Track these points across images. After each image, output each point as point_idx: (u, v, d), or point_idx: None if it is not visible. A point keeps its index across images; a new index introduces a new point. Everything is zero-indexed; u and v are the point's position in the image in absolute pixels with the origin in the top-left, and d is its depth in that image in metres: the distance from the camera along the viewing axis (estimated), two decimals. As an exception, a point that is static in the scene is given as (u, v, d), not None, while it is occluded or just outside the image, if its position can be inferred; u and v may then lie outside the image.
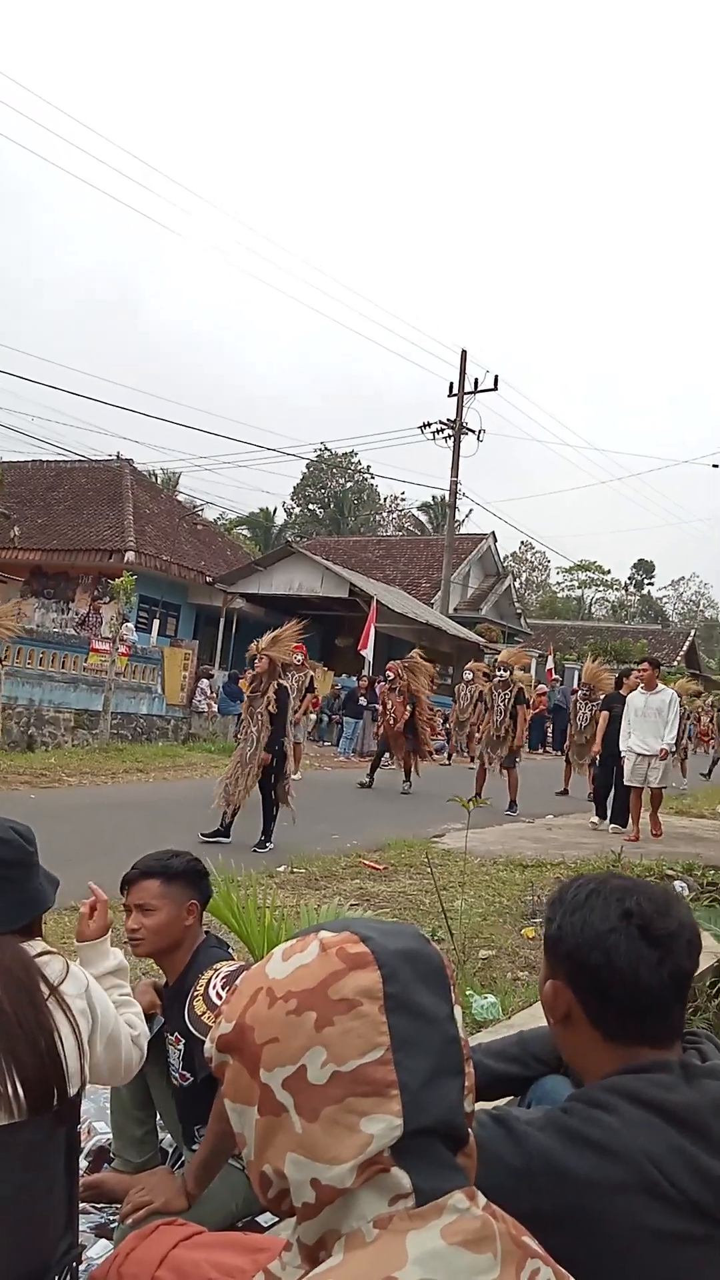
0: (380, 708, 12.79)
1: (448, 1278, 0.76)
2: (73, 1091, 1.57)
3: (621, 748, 8.98)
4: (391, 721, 12.38)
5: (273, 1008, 0.82)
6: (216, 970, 2.23)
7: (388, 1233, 0.78)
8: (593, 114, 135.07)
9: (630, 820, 9.01)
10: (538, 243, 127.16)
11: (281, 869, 6.68)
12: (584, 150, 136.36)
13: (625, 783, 9.01)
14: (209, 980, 2.20)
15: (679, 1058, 1.23)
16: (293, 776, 12.30)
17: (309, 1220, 0.80)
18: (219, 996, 2.15)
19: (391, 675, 12.73)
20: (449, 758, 17.90)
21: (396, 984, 0.83)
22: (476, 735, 13.37)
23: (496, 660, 12.16)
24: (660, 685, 9.01)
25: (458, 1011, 0.88)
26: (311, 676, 13.01)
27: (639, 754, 8.82)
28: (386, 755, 12.73)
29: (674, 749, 9.20)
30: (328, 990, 0.82)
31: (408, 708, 12.35)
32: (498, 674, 11.72)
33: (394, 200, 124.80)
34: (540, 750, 22.50)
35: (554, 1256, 0.87)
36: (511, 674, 11.59)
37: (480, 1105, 1.07)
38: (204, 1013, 2.15)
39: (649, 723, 8.81)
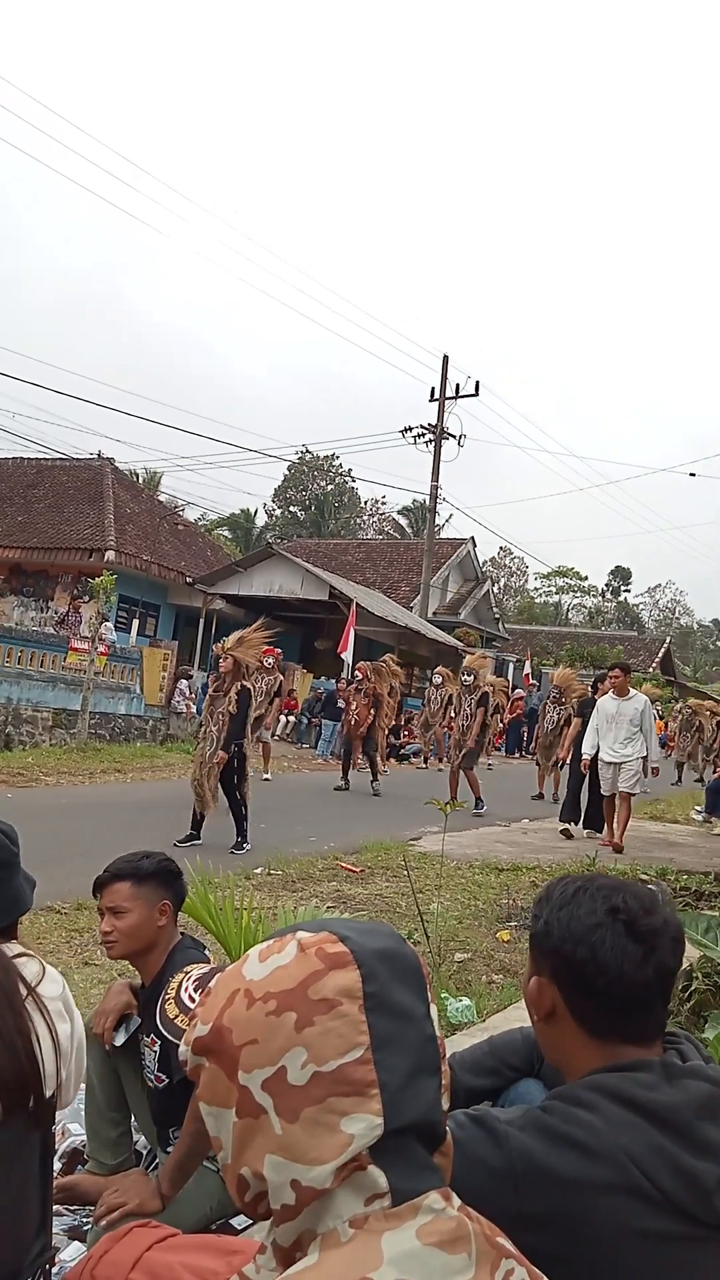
0: (345, 707, 12.82)
1: (423, 1278, 0.76)
2: (48, 1093, 1.57)
3: (585, 749, 8.78)
4: (354, 722, 12.42)
5: (251, 1009, 0.82)
6: (187, 973, 2.22)
7: (363, 1232, 0.78)
8: (576, 120, 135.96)
9: (607, 827, 8.85)
10: (520, 250, 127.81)
11: (258, 871, 6.67)
12: (566, 157, 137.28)
13: (602, 792, 8.83)
14: (180, 983, 2.19)
15: (660, 1057, 1.24)
16: (263, 777, 12.34)
17: (287, 1222, 0.80)
18: (191, 999, 2.13)
19: (360, 676, 12.75)
20: (425, 761, 17.93)
21: (375, 983, 0.83)
22: (447, 739, 13.50)
23: (463, 665, 12.18)
24: (632, 691, 8.81)
25: (434, 1010, 0.89)
26: (280, 682, 12.99)
27: (608, 762, 8.61)
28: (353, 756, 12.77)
29: (654, 758, 8.79)
30: (308, 990, 0.81)
31: (371, 710, 12.39)
32: (464, 679, 11.80)
33: (379, 207, 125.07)
34: (517, 754, 22.60)
35: (537, 1257, 0.88)
36: (476, 679, 11.66)
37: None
38: (177, 1016, 2.13)
39: (619, 729, 8.56)
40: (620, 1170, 1.10)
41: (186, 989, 2.16)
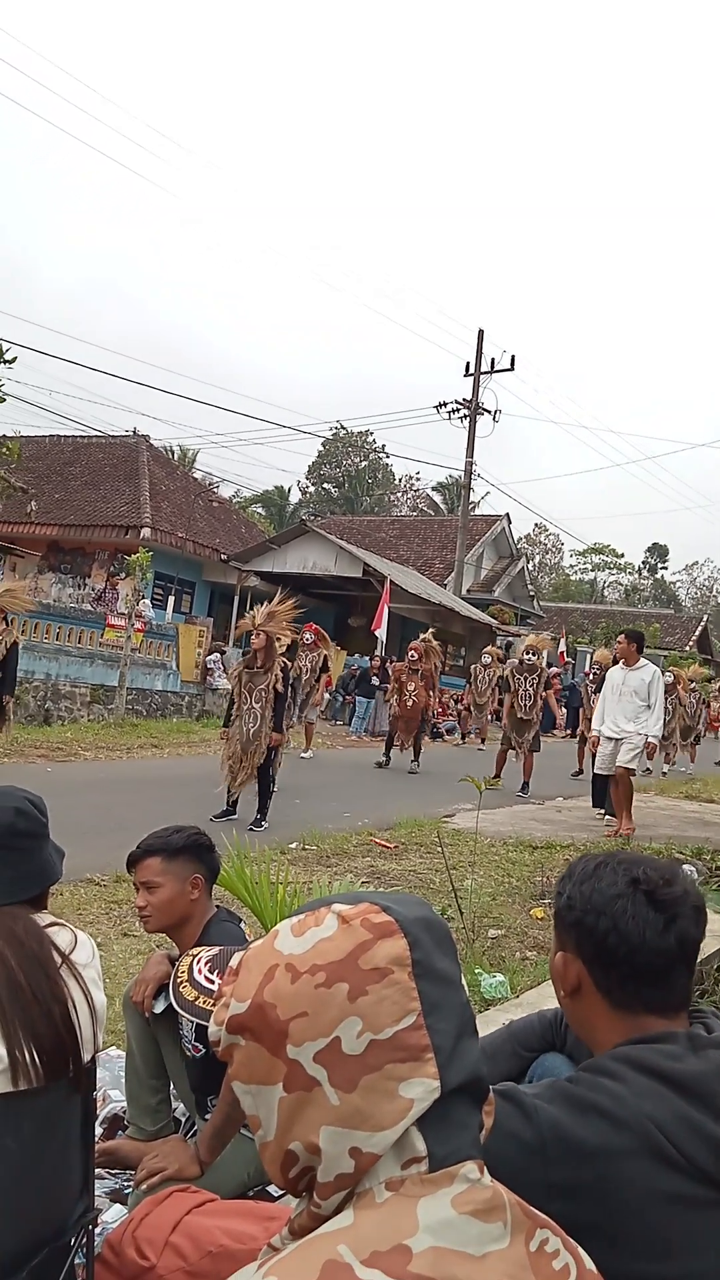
0: (396, 687, 12.74)
1: (458, 1246, 0.77)
2: (87, 1058, 1.60)
3: (593, 728, 8.19)
4: (410, 704, 12.34)
5: (297, 982, 0.82)
6: (195, 955, 2.24)
7: (399, 1196, 0.78)
8: (611, 84, 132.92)
9: (618, 811, 8.08)
10: (557, 222, 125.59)
11: (293, 845, 6.73)
12: (601, 121, 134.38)
13: (596, 770, 8.16)
14: (189, 966, 2.20)
15: (685, 1030, 1.25)
16: (304, 755, 12.40)
17: (339, 1191, 0.81)
18: (209, 980, 2.15)
19: (415, 655, 12.68)
20: (461, 739, 17.91)
21: (421, 950, 0.84)
22: (494, 719, 13.33)
23: (525, 645, 12.03)
24: (642, 661, 7.99)
25: (462, 978, 0.90)
26: (326, 656, 12.97)
27: (608, 737, 7.91)
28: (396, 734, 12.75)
29: (660, 737, 7.96)
30: (358, 961, 0.82)
31: (428, 691, 12.37)
32: (526, 658, 11.61)
33: (413, 180, 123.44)
34: (554, 733, 22.51)
35: (567, 1225, 0.88)
36: (540, 659, 11.54)
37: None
38: (197, 997, 2.12)
39: (624, 703, 7.89)
40: (646, 1137, 1.12)
41: (200, 970, 2.18)
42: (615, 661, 8.22)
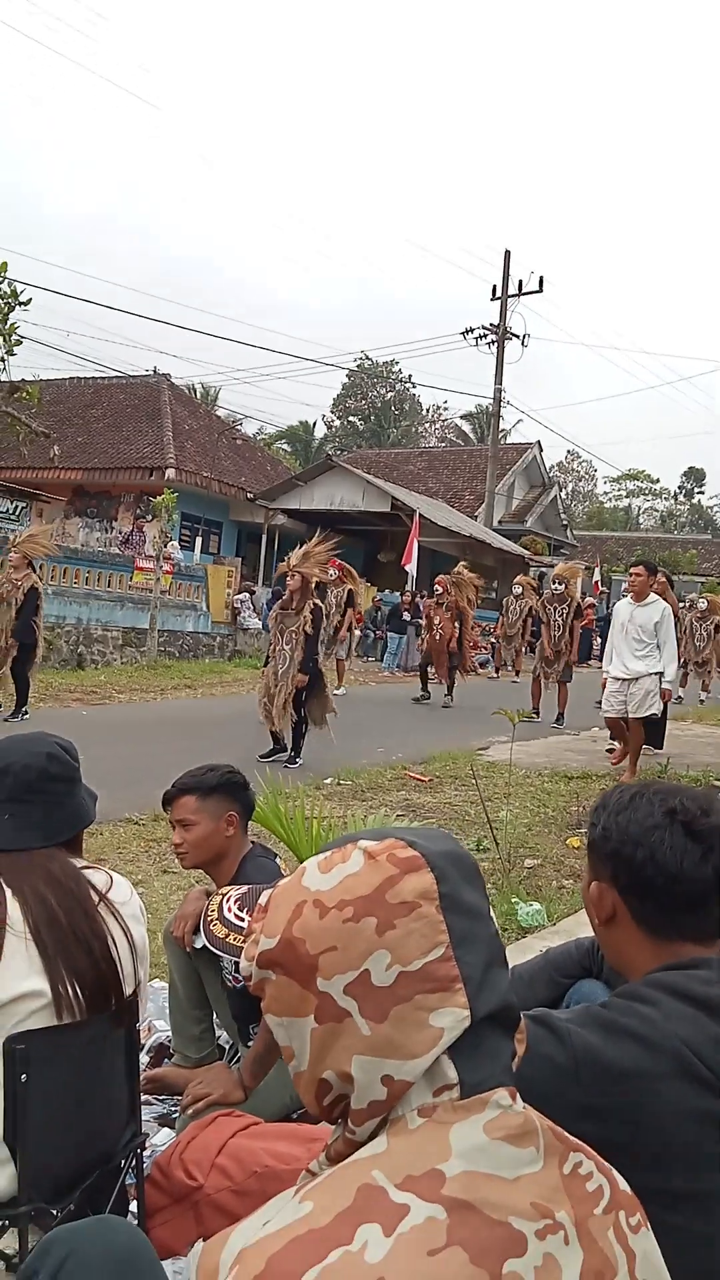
0: (425, 622, 12.71)
1: (491, 1171, 0.78)
2: (128, 992, 1.63)
3: (603, 667, 7.61)
4: (438, 637, 12.34)
5: (325, 918, 0.83)
6: (225, 894, 2.27)
7: (432, 1122, 0.80)
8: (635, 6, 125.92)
9: (619, 743, 7.64)
10: (583, 140, 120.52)
11: (328, 781, 6.80)
12: (629, 31, 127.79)
13: (603, 714, 7.55)
14: (219, 904, 2.23)
15: (719, 954, 1.27)
16: (336, 692, 12.47)
17: (373, 1119, 0.82)
18: (239, 918, 2.18)
19: (440, 590, 12.64)
20: (495, 671, 17.89)
21: (448, 884, 0.85)
22: (527, 650, 13.23)
23: (553, 574, 11.88)
24: (652, 596, 7.33)
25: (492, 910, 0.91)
26: (351, 590, 12.90)
27: (616, 677, 7.29)
28: (430, 668, 12.75)
29: (675, 681, 7.32)
30: (385, 895, 0.83)
31: (455, 624, 12.31)
32: (554, 588, 11.50)
33: (433, 101, 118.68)
34: (590, 663, 22.40)
35: (600, 1146, 0.89)
36: (568, 588, 11.42)
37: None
38: (227, 934, 2.16)
39: (631, 641, 7.25)
40: (679, 1059, 1.14)
41: (229, 908, 2.21)
42: (628, 594, 7.56)
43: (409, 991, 0.81)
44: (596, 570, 28.31)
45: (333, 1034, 0.83)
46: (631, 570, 7.48)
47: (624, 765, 7.47)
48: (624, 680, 7.24)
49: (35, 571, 9.37)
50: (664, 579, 8.55)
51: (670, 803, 1.30)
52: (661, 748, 8.19)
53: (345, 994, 0.82)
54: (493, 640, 18.56)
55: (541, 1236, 0.77)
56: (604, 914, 1.33)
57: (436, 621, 12.38)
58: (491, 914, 0.91)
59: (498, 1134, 0.80)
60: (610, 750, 7.63)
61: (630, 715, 7.24)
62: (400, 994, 0.81)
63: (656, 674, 7.18)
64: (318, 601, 7.98)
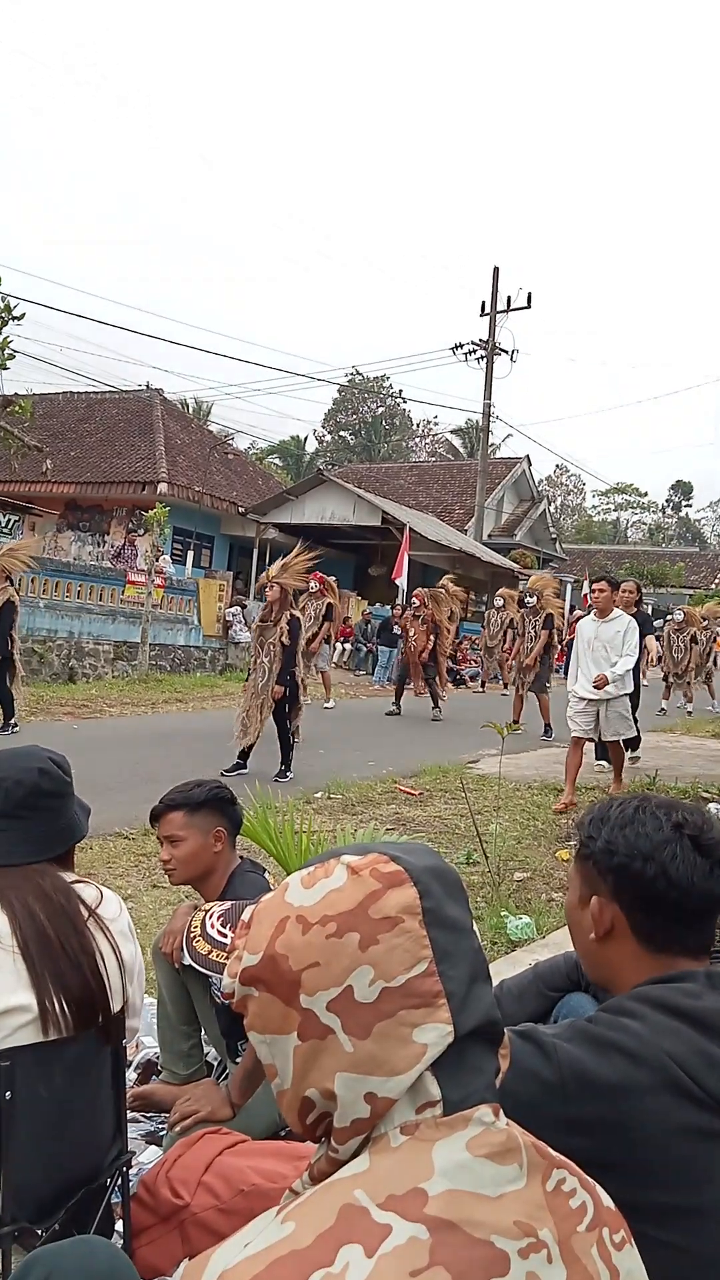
0: (401, 634, 12.77)
1: (474, 1188, 0.78)
2: (115, 1008, 1.63)
3: (569, 687, 7.05)
4: (413, 649, 12.37)
5: (308, 934, 0.83)
6: (207, 910, 2.26)
7: (414, 1140, 0.79)
8: (627, 17, 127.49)
9: (566, 781, 6.90)
10: (571, 156, 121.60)
11: (318, 795, 6.78)
12: (619, 54, 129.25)
13: (572, 735, 6.92)
14: (202, 921, 2.23)
15: (705, 968, 1.28)
16: (325, 705, 12.43)
17: (356, 1136, 0.82)
18: (221, 934, 2.18)
19: (417, 603, 12.66)
20: (482, 685, 17.91)
21: (431, 899, 0.85)
22: (509, 662, 13.29)
23: (526, 586, 11.96)
24: (616, 611, 6.91)
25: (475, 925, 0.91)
26: (330, 604, 12.88)
27: (581, 697, 6.78)
28: (407, 682, 12.74)
29: (624, 684, 6.78)
30: (368, 910, 0.83)
31: (430, 637, 12.32)
32: (527, 600, 11.58)
33: (424, 119, 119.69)
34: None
35: (587, 1162, 0.89)
36: (540, 600, 11.47)
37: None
38: (210, 951, 2.16)
39: (599, 659, 6.77)
40: (664, 1073, 1.14)
41: (211, 925, 2.20)
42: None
43: (392, 1007, 0.81)
44: (585, 583, 28.36)
45: (316, 1051, 0.82)
46: (594, 586, 6.98)
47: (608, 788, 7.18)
48: (590, 700, 6.76)
49: (13, 585, 9.33)
50: (633, 591, 8.38)
51: (675, 816, 1.31)
52: (637, 750, 8.20)
53: (328, 1010, 0.81)
54: (480, 654, 18.60)
55: (524, 1255, 0.76)
56: (601, 929, 1.32)
57: (411, 634, 12.43)
58: (475, 929, 0.91)
59: (480, 1151, 0.79)
60: (564, 805, 6.72)
61: (605, 739, 6.94)
62: (383, 1010, 0.81)
63: (627, 694, 6.87)
64: (295, 613, 7.93)
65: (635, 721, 7.97)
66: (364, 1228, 0.74)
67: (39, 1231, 1.47)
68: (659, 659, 15.01)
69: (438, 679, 12.65)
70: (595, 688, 6.69)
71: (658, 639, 16.54)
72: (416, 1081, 0.81)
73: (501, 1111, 0.84)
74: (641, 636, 8.49)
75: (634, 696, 7.97)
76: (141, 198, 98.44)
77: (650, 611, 19.19)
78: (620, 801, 1.38)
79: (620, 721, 6.85)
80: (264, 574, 8.18)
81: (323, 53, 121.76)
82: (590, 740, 7.06)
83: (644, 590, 14.23)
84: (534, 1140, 0.85)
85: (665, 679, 15.34)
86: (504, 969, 3.02)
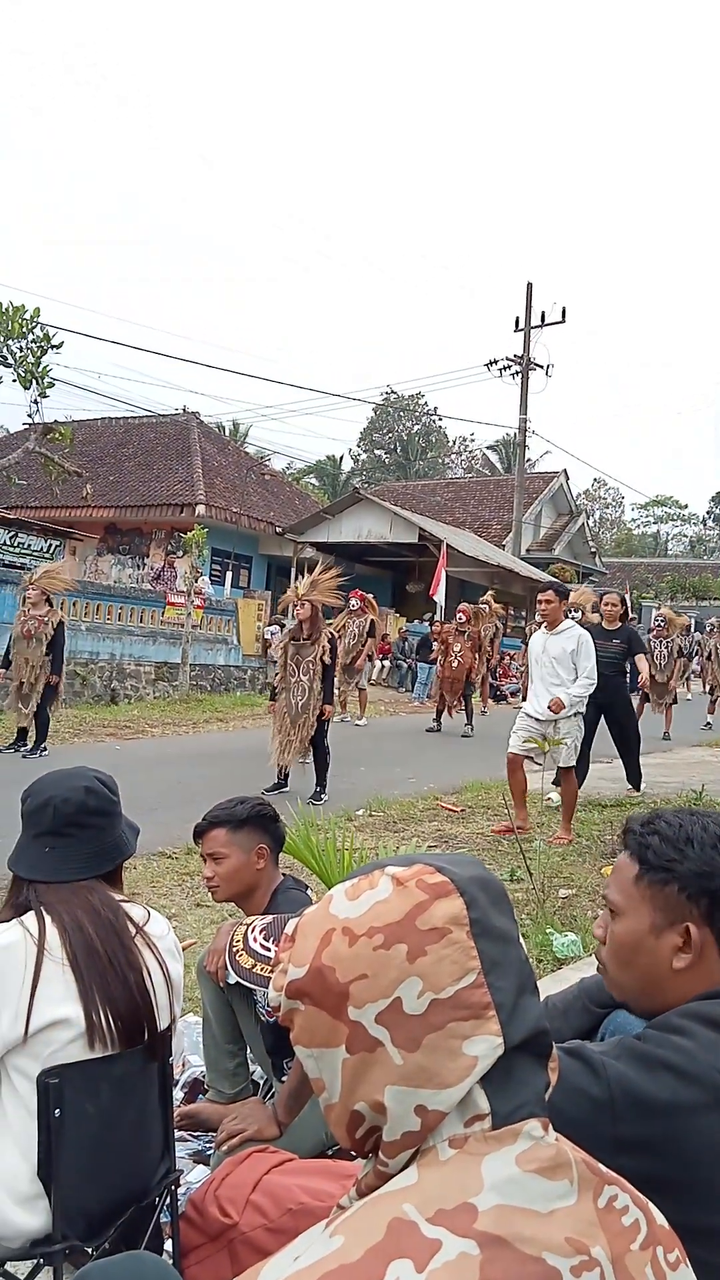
0: (442, 649, 12.59)
1: (524, 1204, 0.77)
2: (163, 1025, 1.64)
3: (524, 709, 6.54)
4: (455, 665, 12.21)
5: (355, 945, 0.82)
6: (249, 925, 2.26)
7: (463, 1154, 0.79)
8: (657, 25, 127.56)
9: (515, 804, 6.28)
10: (603, 168, 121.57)
11: (360, 812, 6.77)
12: (649, 62, 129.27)
13: (510, 748, 6.30)
14: (244, 935, 2.22)
15: None
16: (358, 723, 12.40)
17: (405, 1150, 0.81)
18: (264, 948, 2.17)
19: (463, 618, 12.58)
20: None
21: (478, 909, 0.84)
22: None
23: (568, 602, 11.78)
24: (568, 622, 6.33)
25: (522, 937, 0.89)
26: (372, 621, 12.85)
27: (530, 715, 6.26)
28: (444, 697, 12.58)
29: (581, 698, 6.15)
30: (415, 921, 0.82)
31: (474, 654, 12.22)
32: (572, 615, 11.41)
33: (456, 137, 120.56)
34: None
35: (636, 1180, 0.88)
36: (584, 615, 11.33)
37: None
38: (254, 965, 2.15)
39: (544, 675, 6.23)
40: (714, 1089, 1.12)
41: (255, 938, 2.20)
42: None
43: (442, 1019, 0.80)
44: (626, 597, 28.10)
45: (365, 1064, 0.81)
46: (540, 596, 6.39)
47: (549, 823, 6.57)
48: (539, 720, 6.18)
49: (54, 607, 9.44)
50: (616, 603, 7.95)
51: None
52: (640, 789, 7.74)
53: (377, 1023, 0.81)
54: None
55: (577, 1274, 0.75)
56: (694, 957, 1.27)
57: (456, 648, 12.25)
58: (520, 939, 0.90)
59: (530, 1166, 0.78)
60: (505, 828, 6.06)
61: (560, 765, 6.23)
62: (433, 1022, 0.80)
63: (573, 717, 6.18)
64: (334, 632, 7.87)
65: (635, 756, 7.63)
66: (414, 1243, 0.74)
67: (89, 1250, 1.48)
68: (651, 681, 13.94)
69: (478, 695, 12.55)
70: (551, 710, 6.07)
71: (695, 655, 16.10)
72: (465, 1095, 0.80)
73: (550, 1126, 0.83)
74: (633, 653, 7.95)
75: (623, 724, 7.48)
76: (141, 198, 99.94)
77: (692, 625, 18.99)
78: (679, 818, 1.34)
79: (567, 748, 6.14)
80: (288, 591, 8.09)
81: (329, 51, 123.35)
82: (529, 758, 6.40)
83: (686, 603, 13.89)
84: (585, 1156, 0.84)
85: (711, 692, 15.07)
86: (550, 986, 2.98)
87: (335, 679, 7.85)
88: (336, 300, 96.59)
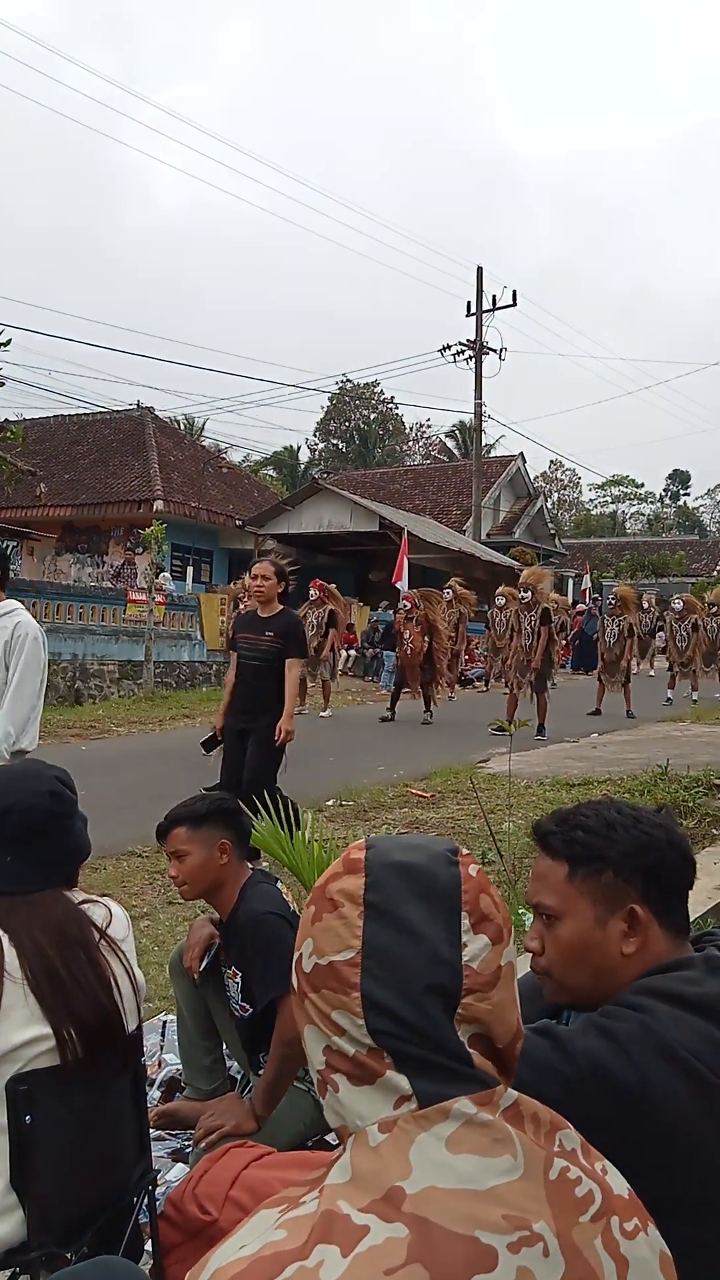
0: (396, 638, 12.59)
1: (456, 1184, 0.76)
2: (131, 1028, 1.62)
3: None
4: (409, 652, 12.12)
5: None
6: None
7: (392, 1137, 0.78)
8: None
9: None
10: (546, 148, 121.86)
11: (330, 802, 6.77)
12: (592, 27, 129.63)
13: None
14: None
15: (702, 954, 1.30)
16: (322, 714, 12.34)
17: (329, 1095, 0.83)
18: None
19: (409, 605, 12.54)
20: (486, 684, 17.87)
21: (379, 894, 0.83)
22: (509, 660, 13.16)
23: (520, 581, 11.72)
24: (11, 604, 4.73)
25: (477, 941, 0.84)
26: (333, 611, 12.77)
27: None
28: (405, 687, 12.50)
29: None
30: (325, 889, 0.86)
31: (425, 638, 12.18)
32: (522, 595, 11.31)
33: (402, 115, 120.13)
34: (582, 671, 22.40)
35: (608, 1155, 0.87)
36: (534, 594, 11.24)
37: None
38: None
39: None
40: (679, 1063, 1.15)
41: None
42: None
43: (319, 983, 0.83)
44: (586, 577, 28.37)
45: (299, 1011, 0.87)
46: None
47: None
48: None
49: None
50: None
51: (636, 810, 1.37)
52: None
53: (295, 970, 0.87)
54: (484, 653, 18.57)
55: (515, 1250, 0.74)
56: (639, 937, 1.29)
57: (406, 636, 12.16)
58: (461, 944, 0.83)
59: (462, 1145, 0.77)
60: None
61: None
62: (314, 981, 0.84)
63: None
64: None
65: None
66: (342, 1229, 0.74)
67: (67, 1255, 1.46)
68: (602, 660, 13.43)
69: (443, 680, 12.53)
70: None
71: (659, 632, 16.27)
72: (384, 1078, 0.80)
73: (497, 1099, 0.81)
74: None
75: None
76: (82, 190, 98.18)
77: (655, 600, 19.21)
78: (600, 806, 1.37)
79: None
80: (236, 582, 7.93)
81: (282, 26, 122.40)
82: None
83: (646, 581, 14.00)
84: (542, 1127, 0.83)
85: (670, 668, 15.26)
86: (522, 967, 3.00)
87: None
88: (290, 288, 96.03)
